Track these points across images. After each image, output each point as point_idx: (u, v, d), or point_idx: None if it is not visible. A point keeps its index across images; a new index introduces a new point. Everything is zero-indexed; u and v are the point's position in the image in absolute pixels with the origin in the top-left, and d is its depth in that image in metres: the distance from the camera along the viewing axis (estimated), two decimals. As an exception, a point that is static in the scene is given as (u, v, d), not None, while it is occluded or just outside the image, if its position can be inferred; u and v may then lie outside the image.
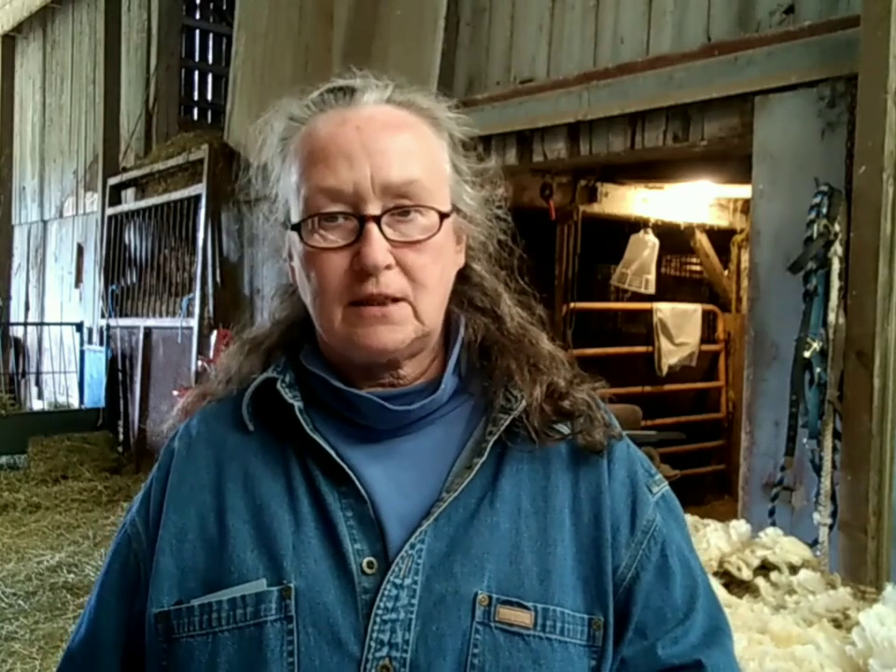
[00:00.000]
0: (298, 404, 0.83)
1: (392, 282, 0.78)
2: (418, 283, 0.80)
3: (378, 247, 0.77)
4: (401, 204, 0.79)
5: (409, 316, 0.80)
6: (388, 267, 0.78)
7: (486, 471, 0.82)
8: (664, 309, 6.38)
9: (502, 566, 0.78)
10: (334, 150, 0.79)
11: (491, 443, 0.81)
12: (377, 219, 0.78)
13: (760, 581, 1.82)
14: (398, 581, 0.76)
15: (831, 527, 2.58)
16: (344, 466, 0.80)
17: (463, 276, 0.90)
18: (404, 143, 0.80)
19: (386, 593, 0.76)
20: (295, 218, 0.81)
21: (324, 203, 0.79)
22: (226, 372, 0.93)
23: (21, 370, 9.49)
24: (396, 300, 0.79)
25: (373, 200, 0.78)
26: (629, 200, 5.84)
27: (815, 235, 2.63)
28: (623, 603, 0.82)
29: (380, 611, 0.75)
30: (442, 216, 0.82)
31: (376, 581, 0.76)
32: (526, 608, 0.77)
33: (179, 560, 0.81)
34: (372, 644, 0.74)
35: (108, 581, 0.88)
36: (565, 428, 0.85)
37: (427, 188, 0.80)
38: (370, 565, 0.77)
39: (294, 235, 0.82)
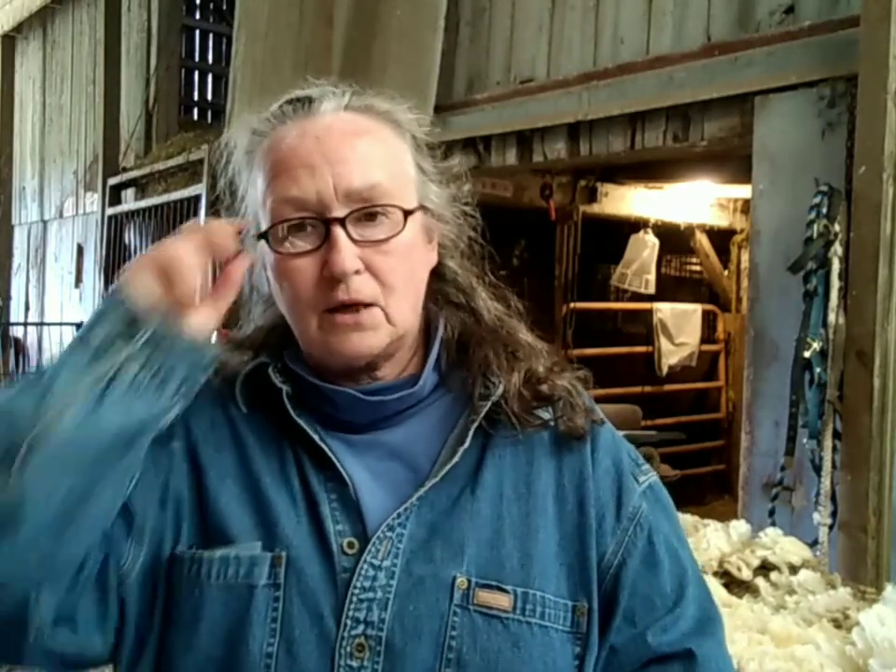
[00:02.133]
0: (287, 388, 0.85)
1: (362, 287, 0.79)
2: (388, 286, 0.81)
3: (346, 252, 0.78)
4: (365, 207, 0.80)
5: (381, 321, 0.81)
6: (357, 272, 0.79)
7: (469, 459, 0.83)
8: (664, 309, 6.39)
9: (482, 550, 0.80)
10: (295, 162, 0.80)
11: (472, 430, 0.82)
12: (342, 222, 0.79)
13: (760, 581, 1.82)
14: (375, 562, 0.78)
15: (831, 527, 2.58)
16: (326, 449, 0.82)
17: (437, 274, 0.91)
18: (364, 149, 0.81)
19: (363, 572, 0.77)
20: (263, 228, 0.82)
21: (288, 213, 0.80)
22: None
23: (21, 370, 9.48)
24: (367, 305, 0.80)
25: (337, 206, 0.79)
26: (629, 200, 5.84)
27: (815, 235, 2.62)
28: (610, 590, 0.82)
29: (356, 590, 0.77)
30: (406, 213, 0.82)
31: (355, 560, 0.78)
32: (505, 591, 0.78)
33: (221, 504, 0.81)
34: (348, 622, 0.76)
35: None
36: (546, 414, 0.86)
37: (389, 191, 0.81)
38: (350, 545, 0.79)
39: (264, 245, 0.83)
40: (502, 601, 0.78)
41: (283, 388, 0.84)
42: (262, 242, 0.83)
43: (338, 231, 0.79)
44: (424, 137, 0.89)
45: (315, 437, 0.82)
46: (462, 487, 0.82)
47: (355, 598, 0.76)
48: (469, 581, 0.78)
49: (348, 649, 0.75)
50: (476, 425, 0.83)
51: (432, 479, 0.80)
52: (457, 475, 0.82)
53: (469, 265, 0.93)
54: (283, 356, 0.88)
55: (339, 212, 0.79)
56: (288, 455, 0.84)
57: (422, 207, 0.86)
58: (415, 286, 0.85)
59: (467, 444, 0.82)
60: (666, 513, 0.89)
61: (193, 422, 0.85)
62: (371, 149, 0.82)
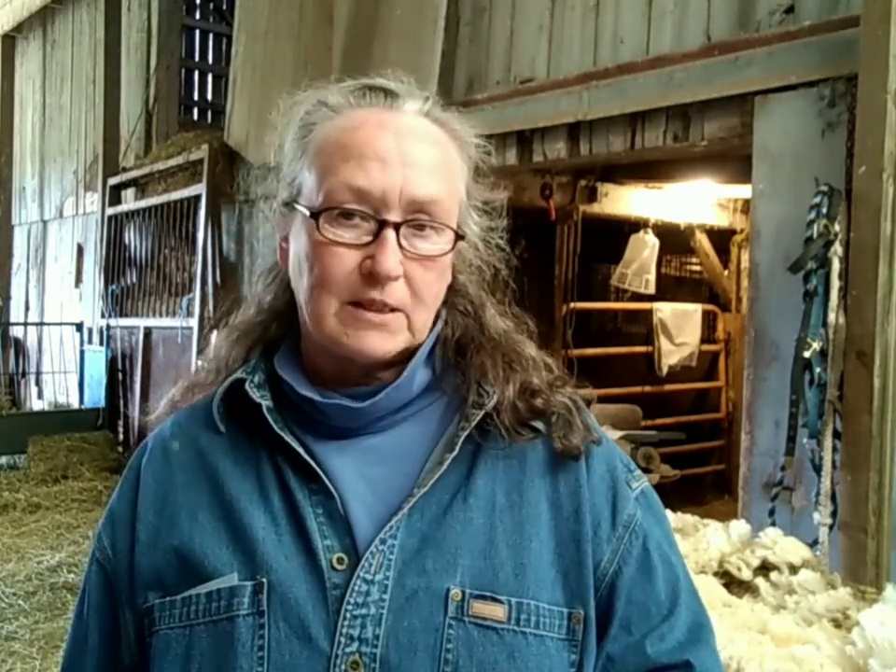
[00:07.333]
0: (266, 403, 0.84)
1: (396, 292, 0.79)
2: (419, 297, 0.81)
3: (393, 255, 0.78)
4: (420, 219, 0.80)
5: (403, 327, 0.81)
6: (397, 277, 0.79)
7: (460, 467, 0.82)
8: (664, 309, 6.39)
9: (476, 561, 0.78)
10: (370, 152, 0.79)
11: (462, 438, 0.82)
12: (397, 227, 0.79)
13: (760, 581, 1.82)
14: (368, 577, 0.76)
15: (831, 527, 2.58)
16: (312, 463, 0.81)
17: (449, 287, 0.90)
18: (436, 161, 0.82)
19: (356, 588, 0.76)
20: (312, 205, 0.81)
21: (348, 200, 0.79)
22: (216, 360, 0.93)
23: (21, 370, 9.49)
24: (394, 309, 0.80)
25: (396, 208, 0.79)
26: (629, 200, 5.84)
27: (815, 235, 2.63)
28: (606, 598, 0.82)
29: (350, 607, 0.75)
30: (458, 236, 0.83)
31: (346, 576, 0.77)
32: (500, 601, 0.77)
33: (156, 560, 0.82)
34: (342, 640, 0.75)
35: (91, 594, 0.89)
36: (539, 425, 0.85)
37: (446, 208, 0.82)
38: (339, 560, 0.77)
39: (301, 220, 0.82)
40: (497, 612, 0.77)
41: (262, 404, 0.84)
42: (297, 213, 0.83)
43: (391, 234, 0.79)
44: (481, 165, 0.89)
45: (301, 450, 0.81)
46: (453, 494, 0.81)
47: (348, 615, 0.75)
48: (464, 593, 0.77)
49: (343, 667, 0.74)
50: (466, 433, 0.82)
51: (421, 488, 0.79)
52: (448, 482, 0.81)
53: (488, 293, 0.93)
54: (271, 359, 0.87)
55: (397, 216, 0.79)
56: (268, 471, 0.83)
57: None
58: (438, 301, 0.86)
59: (455, 452, 0.81)
60: (658, 519, 0.88)
61: (144, 491, 0.86)
62: (441, 164, 0.82)
